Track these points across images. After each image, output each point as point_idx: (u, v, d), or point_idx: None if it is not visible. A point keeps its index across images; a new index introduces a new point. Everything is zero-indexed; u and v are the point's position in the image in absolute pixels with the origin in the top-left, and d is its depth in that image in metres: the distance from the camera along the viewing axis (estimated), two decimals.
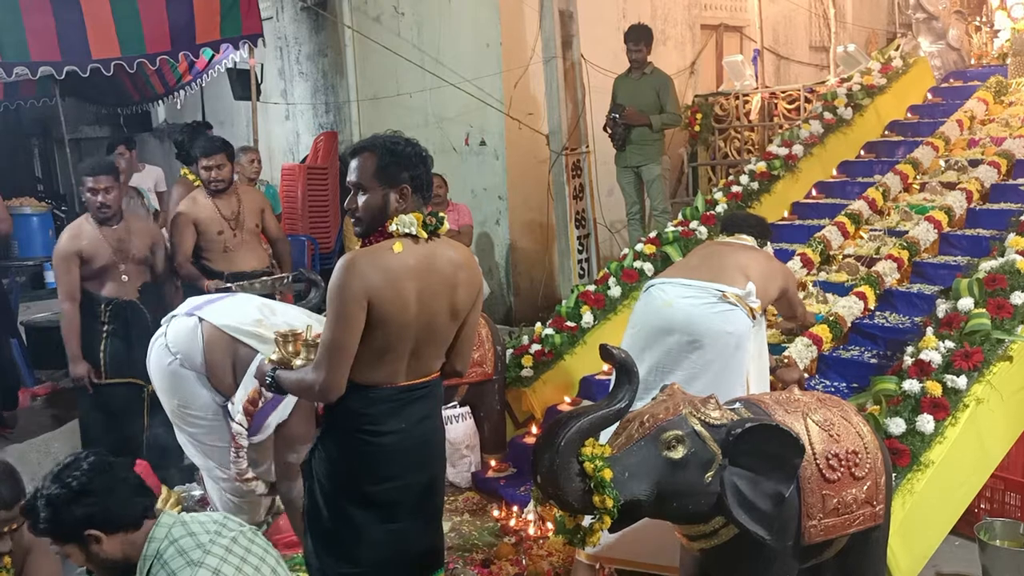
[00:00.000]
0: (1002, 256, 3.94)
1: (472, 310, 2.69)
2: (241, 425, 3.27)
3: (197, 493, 4.31)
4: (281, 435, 3.27)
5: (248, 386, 3.24)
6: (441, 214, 2.61)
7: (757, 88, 7.74)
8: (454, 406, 4.53)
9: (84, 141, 10.78)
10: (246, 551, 2.26)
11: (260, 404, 3.24)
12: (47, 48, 5.36)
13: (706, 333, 3.26)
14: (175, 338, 3.42)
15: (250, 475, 3.39)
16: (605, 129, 6.72)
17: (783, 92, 7.49)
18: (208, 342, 3.36)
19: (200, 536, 2.23)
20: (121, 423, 4.38)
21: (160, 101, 8.30)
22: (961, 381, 3.40)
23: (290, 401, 3.20)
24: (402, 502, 2.65)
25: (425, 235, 2.53)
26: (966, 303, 3.70)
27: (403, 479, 2.63)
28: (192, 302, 3.62)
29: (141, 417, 4.41)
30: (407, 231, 2.50)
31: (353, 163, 2.57)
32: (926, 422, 3.29)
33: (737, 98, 7.63)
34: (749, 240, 3.83)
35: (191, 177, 5.35)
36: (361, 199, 2.54)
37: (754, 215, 4.35)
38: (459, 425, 4.51)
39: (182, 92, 7.63)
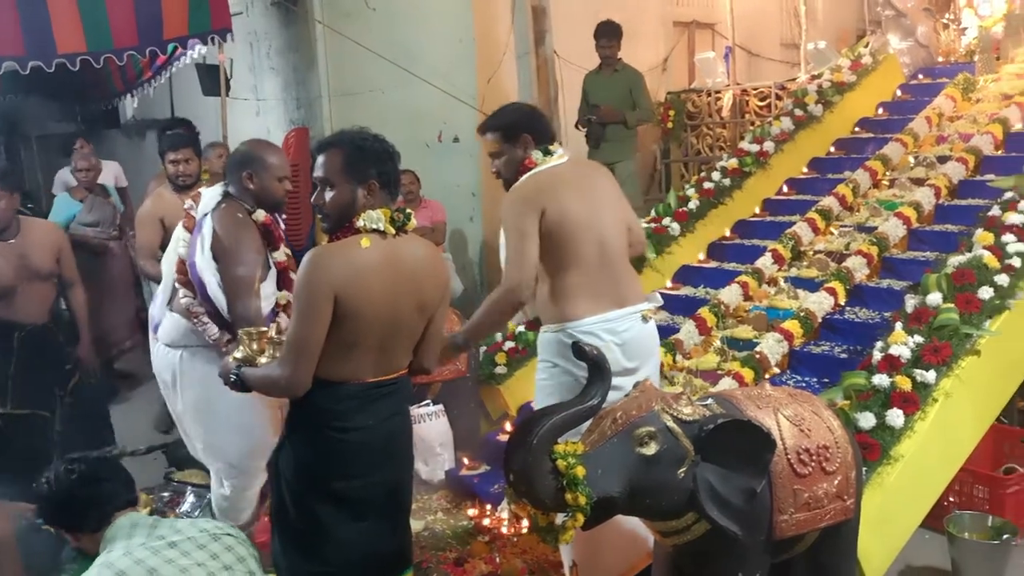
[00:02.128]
0: (970, 251, 3.98)
1: (440, 307, 2.68)
2: (188, 296, 3.28)
3: (165, 494, 4.27)
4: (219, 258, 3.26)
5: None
6: (408, 210, 2.60)
7: (729, 85, 7.77)
8: (428, 404, 4.52)
9: (51, 137, 10.60)
10: (182, 553, 2.26)
11: (186, 266, 3.28)
12: (11, 43, 5.25)
13: (643, 357, 3.10)
14: (168, 334, 3.42)
15: (226, 338, 3.29)
16: (578, 126, 6.72)
17: (754, 89, 7.53)
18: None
19: (134, 529, 2.32)
20: (25, 454, 4.09)
21: (120, 98, 8.17)
22: (930, 375, 3.44)
23: (205, 235, 3.22)
24: (369, 500, 2.63)
25: (393, 231, 2.53)
26: (935, 298, 3.73)
27: (370, 477, 2.61)
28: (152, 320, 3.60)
29: (46, 449, 4.16)
30: (375, 227, 2.50)
31: (320, 159, 2.57)
32: (896, 416, 3.32)
33: (709, 95, 7.66)
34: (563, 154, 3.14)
35: None
36: (328, 195, 2.55)
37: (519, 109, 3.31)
38: (433, 423, 4.50)
39: (142, 88, 7.51)
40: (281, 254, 3.45)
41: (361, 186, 2.52)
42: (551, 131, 3.19)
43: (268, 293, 3.37)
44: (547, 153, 3.10)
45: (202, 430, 3.47)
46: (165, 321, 3.45)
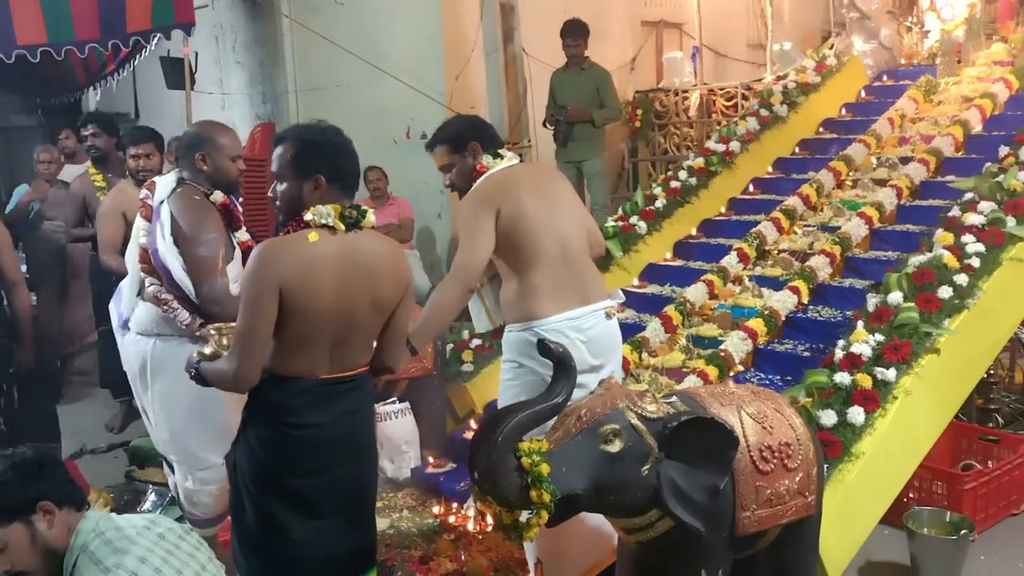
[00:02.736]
0: (930, 251, 4.03)
1: (400, 305, 2.66)
2: (154, 284, 3.25)
3: (126, 494, 4.22)
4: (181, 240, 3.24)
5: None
6: (364, 207, 2.58)
7: (696, 85, 7.81)
8: (394, 402, 4.50)
9: (12, 130, 10.43)
10: (174, 546, 2.24)
11: (148, 255, 3.25)
12: None
13: (607, 354, 3.12)
14: (140, 323, 3.35)
15: (198, 322, 3.25)
16: (545, 124, 6.73)
17: (721, 89, 7.58)
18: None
19: (127, 529, 2.22)
20: None
21: (83, 91, 8.04)
22: (890, 373, 3.48)
23: (164, 221, 3.20)
24: (327, 499, 2.61)
25: (343, 227, 2.51)
26: (895, 297, 3.78)
27: (327, 474, 2.59)
28: (119, 309, 3.53)
29: None
30: (323, 222, 2.49)
31: (274, 152, 2.59)
32: (857, 414, 3.36)
33: (676, 94, 7.71)
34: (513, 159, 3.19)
35: (95, 177, 5.21)
36: (279, 188, 2.58)
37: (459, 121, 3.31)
38: (399, 421, 4.48)
39: (106, 81, 7.40)
40: (243, 234, 3.42)
41: (307, 181, 2.52)
42: (498, 137, 3.22)
43: (235, 275, 3.34)
44: (497, 156, 3.12)
45: (168, 420, 3.42)
46: (138, 309, 3.41)
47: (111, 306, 3.60)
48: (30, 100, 9.47)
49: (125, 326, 3.45)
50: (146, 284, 3.30)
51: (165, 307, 3.25)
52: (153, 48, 6.49)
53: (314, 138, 2.56)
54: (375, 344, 2.71)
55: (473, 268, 3.00)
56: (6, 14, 5.23)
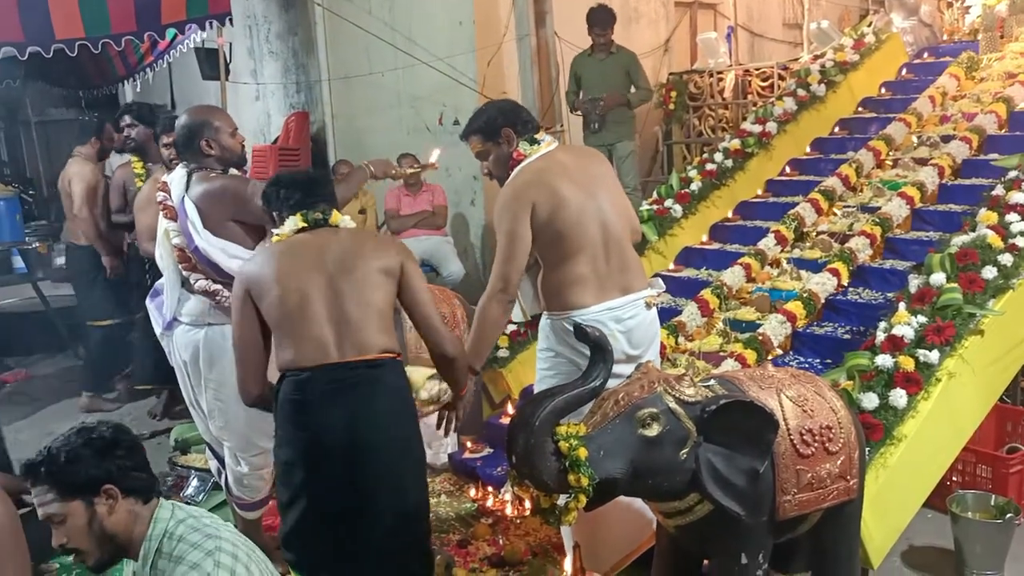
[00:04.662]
0: (973, 231, 3.96)
1: (405, 278, 2.76)
2: (199, 278, 3.30)
3: (169, 479, 4.28)
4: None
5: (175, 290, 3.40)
6: (330, 209, 2.85)
7: (731, 65, 7.72)
8: None
9: (51, 124, 10.62)
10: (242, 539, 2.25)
11: (188, 254, 3.29)
12: (9, 28, 5.23)
13: (646, 344, 3.08)
14: (191, 314, 3.40)
15: None
16: (574, 111, 6.69)
17: (757, 69, 7.48)
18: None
19: (203, 518, 2.22)
20: None
21: (122, 83, 8.15)
22: (933, 356, 3.42)
23: (193, 218, 3.27)
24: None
25: (304, 223, 2.81)
26: (938, 278, 3.72)
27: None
28: (161, 312, 3.56)
29: None
30: (285, 231, 2.84)
31: None
32: (899, 397, 3.31)
33: (711, 76, 7.61)
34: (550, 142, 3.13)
35: (135, 165, 5.32)
36: None
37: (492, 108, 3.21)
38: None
39: (144, 73, 7.49)
40: None
41: None
42: (532, 120, 3.14)
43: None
44: (534, 143, 3.06)
45: (223, 407, 3.46)
46: (188, 302, 3.44)
47: (150, 307, 3.61)
48: (71, 94, 9.61)
49: (169, 327, 3.48)
50: (192, 280, 3.32)
51: (217, 297, 3.29)
52: (196, 40, 6.54)
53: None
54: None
55: (513, 279, 2.97)
56: (44, 9, 5.30)
